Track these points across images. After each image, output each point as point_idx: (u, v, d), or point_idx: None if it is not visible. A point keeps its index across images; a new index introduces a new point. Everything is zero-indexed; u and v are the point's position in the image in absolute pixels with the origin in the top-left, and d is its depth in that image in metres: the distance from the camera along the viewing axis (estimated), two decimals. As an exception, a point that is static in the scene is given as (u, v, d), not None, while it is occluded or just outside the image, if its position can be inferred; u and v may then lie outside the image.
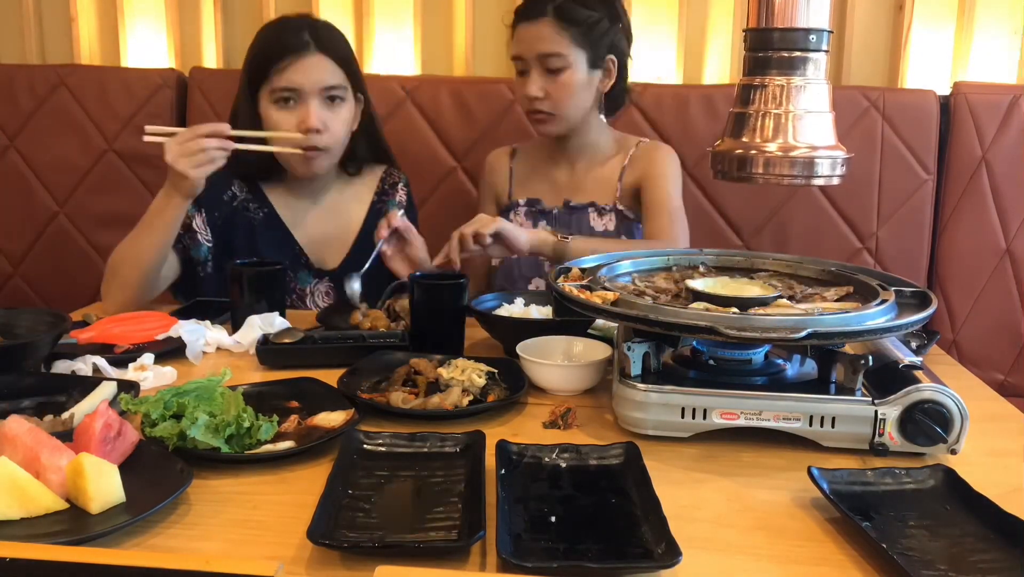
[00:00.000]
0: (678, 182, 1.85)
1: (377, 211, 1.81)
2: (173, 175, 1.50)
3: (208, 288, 1.70)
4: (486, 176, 1.98)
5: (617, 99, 1.84)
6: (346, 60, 1.69)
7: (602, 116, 1.85)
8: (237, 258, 1.53)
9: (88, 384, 1.11)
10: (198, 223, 1.70)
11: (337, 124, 1.68)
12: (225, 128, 1.51)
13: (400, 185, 1.87)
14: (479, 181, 2.05)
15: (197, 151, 1.47)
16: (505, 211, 1.91)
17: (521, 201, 1.89)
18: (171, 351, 1.33)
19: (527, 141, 1.99)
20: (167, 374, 1.23)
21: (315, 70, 1.64)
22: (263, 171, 1.74)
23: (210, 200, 1.69)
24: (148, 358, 1.25)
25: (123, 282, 1.58)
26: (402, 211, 1.77)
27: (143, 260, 1.57)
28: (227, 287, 1.47)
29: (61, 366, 1.23)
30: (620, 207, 1.83)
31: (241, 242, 1.73)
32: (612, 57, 1.75)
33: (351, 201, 1.83)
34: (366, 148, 1.82)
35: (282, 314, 1.45)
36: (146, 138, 1.53)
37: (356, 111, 1.75)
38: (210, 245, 1.71)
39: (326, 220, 1.80)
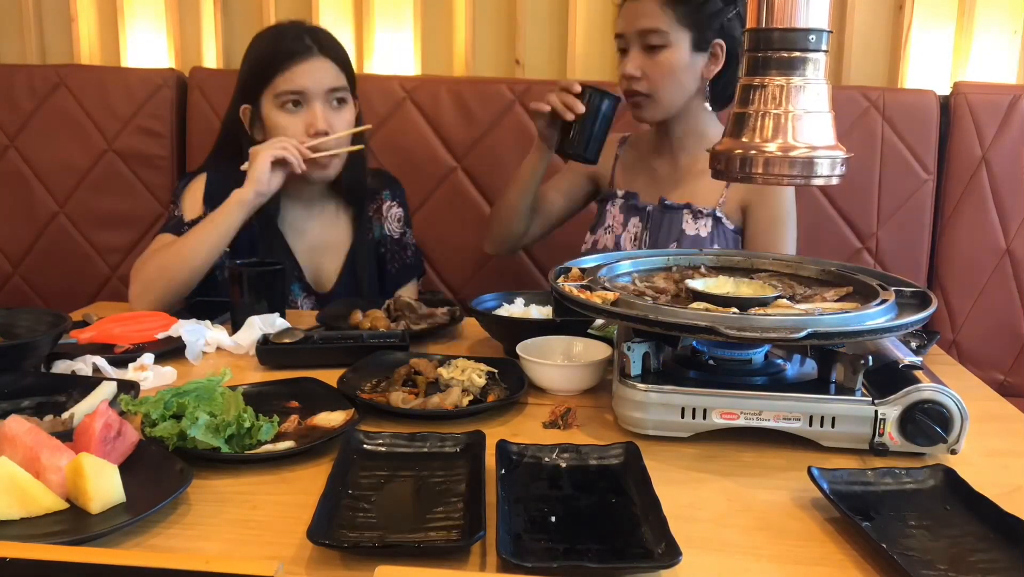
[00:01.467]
0: (793, 203, 1.73)
1: (363, 235, 1.81)
2: (252, 167, 1.58)
3: (222, 290, 1.67)
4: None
5: (726, 89, 1.68)
6: (346, 64, 1.71)
7: (707, 106, 1.71)
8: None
9: (88, 384, 1.11)
10: None
11: (342, 126, 1.69)
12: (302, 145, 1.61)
13: (388, 206, 1.85)
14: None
15: (279, 147, 1.57)
16: (602, 201, 1.84)
17: (619, 193, 1.80)
18: (171, 351, 1.33)
19: (638, 130, 1.87)
20: (167, 374, 1.23)
21: (319, 72, 1.65)
22: None
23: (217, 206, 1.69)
24: (148, 358, 1.25)
25: (168, 281, 1.57)
26: (400, 225, 1.85)
27: (197, 258, 1.57)
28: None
29: (61, 366, 1.23)
30: (719, 214, 1.70)
31: (243, 253, 1.69)
32: (720, 41, 1.64)
33: (342, 212, 1.82)
34: (356, 157, 1.78)
35: (282, 315, 1.45)
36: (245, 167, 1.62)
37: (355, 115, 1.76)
38: (227, 250, 1.68)
39: (320, 232, 1.80)
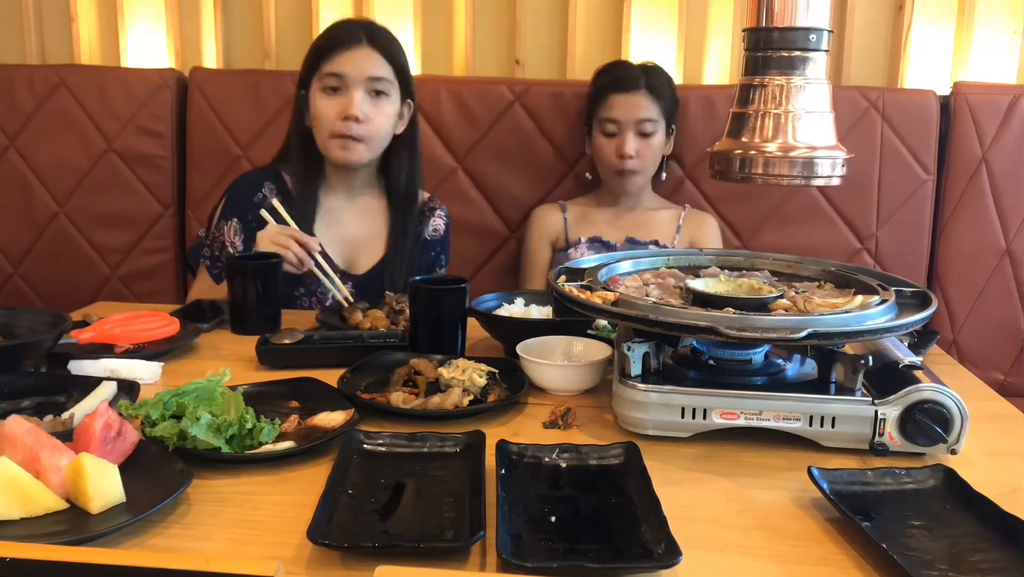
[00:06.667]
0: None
1: (403, 232, 1.82)
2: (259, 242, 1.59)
3: None
4: (537, 226, 2.11)
5: (664, 164, 2.10)
6: (396, 60, 1.73)
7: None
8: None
9: (88, 384, 1.11)
10: (230, 235, 1.72)
11: (379, 117, 1.71)
12: (315, 246, 1.59)
13: (440, 213, 1.88)
14: (525, 232, 2.15)
15: (280, 245, 1.56)
16: (564, 249, 2.05)
17: (583, 238, 2.04)
18: (171, 351, 1.33)
19: (572, 200, 2.13)
20: (153, 369, 1.23)
21: (362, 60, 1.69)
22: (307, 171, 1.76)
23: (241, 206, 1.71)
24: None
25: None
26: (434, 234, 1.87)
27: None
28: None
29: (75, 367, 1.22)
30: (677, 246, 2.01)
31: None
32: (673, 127, 2.06)
33: (382, 205, 1.83)
34: (405, 158, 1.81)
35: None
36: (261, 212, 1.64)
37: (404, 115, 1.77)
38: (240, 252, 1.70)
39: (358, 223, 1.81)
